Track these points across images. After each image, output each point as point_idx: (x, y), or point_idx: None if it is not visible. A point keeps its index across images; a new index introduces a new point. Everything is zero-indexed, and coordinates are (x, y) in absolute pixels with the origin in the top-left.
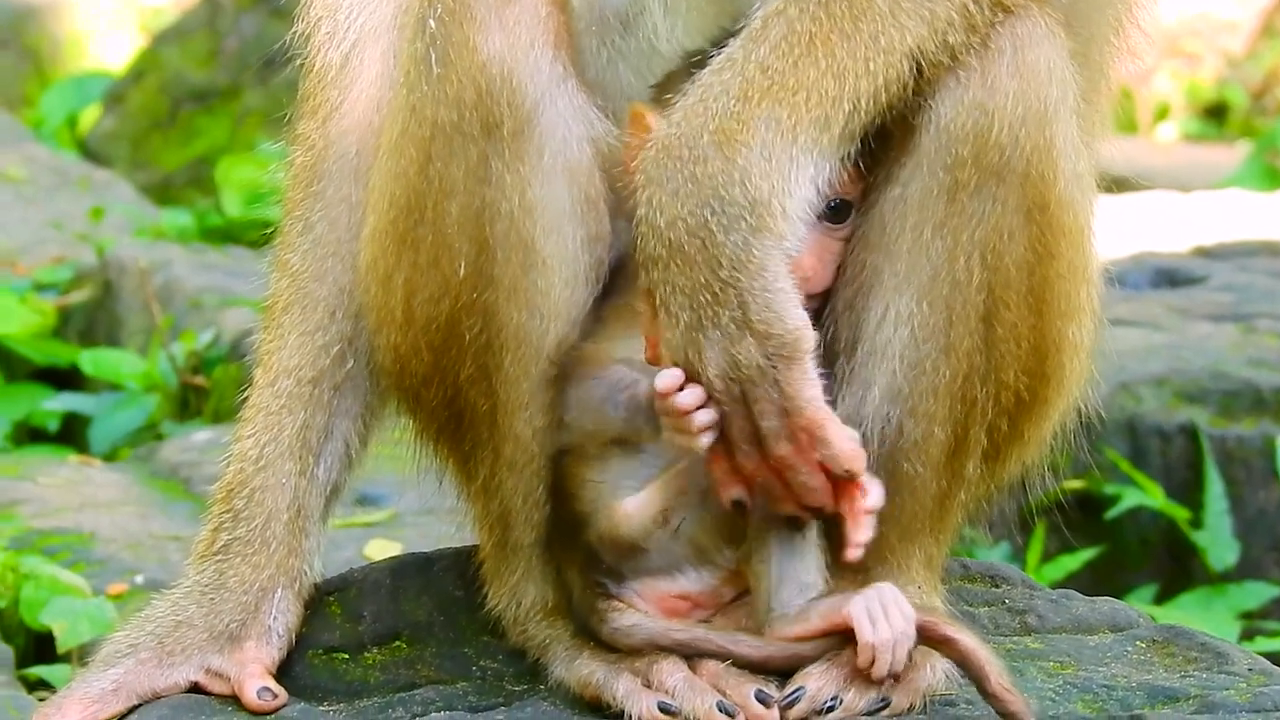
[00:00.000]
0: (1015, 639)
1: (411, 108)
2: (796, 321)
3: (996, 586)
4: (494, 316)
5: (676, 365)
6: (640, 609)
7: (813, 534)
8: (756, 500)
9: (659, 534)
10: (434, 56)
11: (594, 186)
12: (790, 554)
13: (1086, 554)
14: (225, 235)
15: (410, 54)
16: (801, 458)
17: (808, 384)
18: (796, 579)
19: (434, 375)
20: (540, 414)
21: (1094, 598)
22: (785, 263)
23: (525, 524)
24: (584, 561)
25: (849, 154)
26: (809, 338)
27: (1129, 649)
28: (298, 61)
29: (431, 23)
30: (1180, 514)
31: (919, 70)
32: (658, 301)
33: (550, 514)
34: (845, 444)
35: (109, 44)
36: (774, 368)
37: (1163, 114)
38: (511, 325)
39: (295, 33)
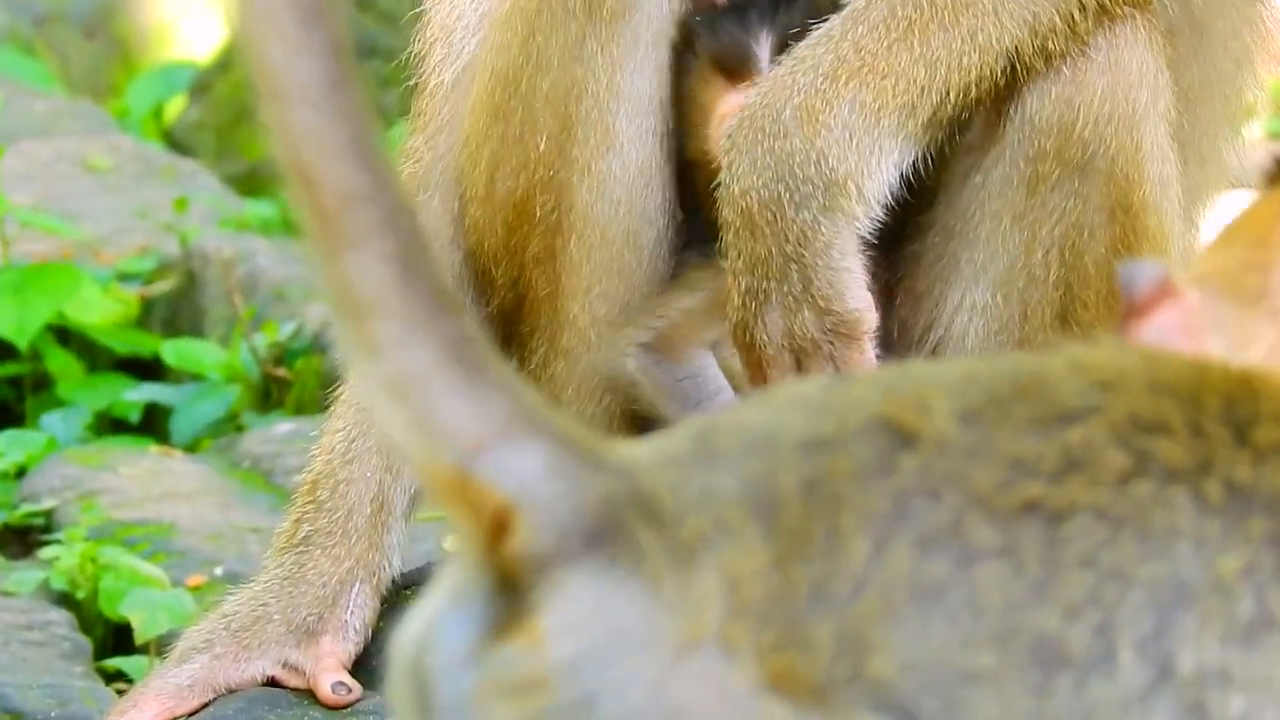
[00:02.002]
0: None
1: None
2: (858, 302)
3: None
4: (566, 195)
5: (737, 324)
6: None
7: None
8: None
9: None
10: None
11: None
12: None
13: None
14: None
15: None
16: None
17: (865, 364)
18: None
19: (503, 253)
20: (600, 303)
21: None
22: (855, 242)
23: (575, 416)
24: None
25: (935, 141)
26: (870, 319)
27: None
28: (393, 59)
29: None
30: None
31: (1012, 70)
32: (728, 263)
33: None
34: None
35: (195, 34)
36: (831, 344)
37: (1249, 113)
38: (581, 205)
39: (410, 52)
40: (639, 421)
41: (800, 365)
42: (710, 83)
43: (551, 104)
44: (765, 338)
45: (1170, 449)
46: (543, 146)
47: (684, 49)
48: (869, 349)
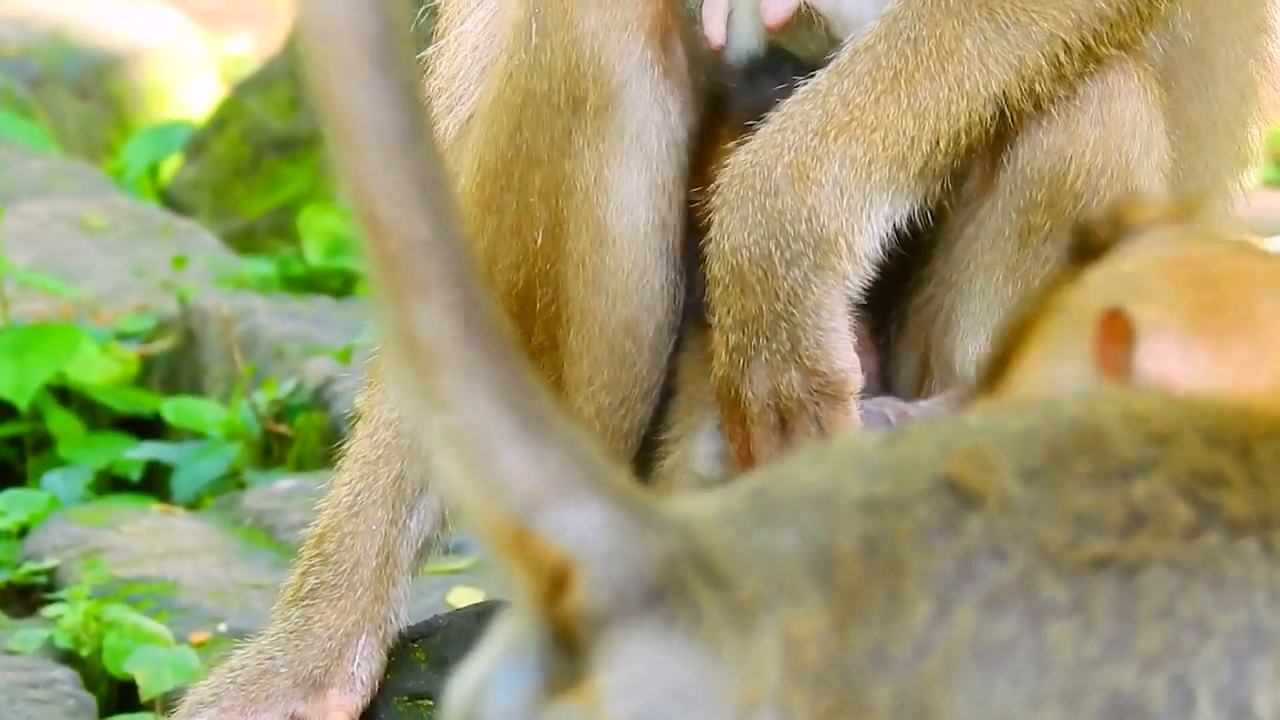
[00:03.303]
0: None
1: (508, 74)
2: (845, 363)
3: None
4: (562, 289)
5: (722, 380)
6: None
7: None
8: None
9: None
10: (534, 26)
11: (666, 174)
12: None
13: None
14: (307, 284)
15: (513, 21)
16: None
17: (849, 425)
18: None
19: None
20: (603, 393)
21: None
22: (844, 302)
23: None
24: None
25: (929, 193)
26: (856, 380)
27: None
28: None
29: None
30: None
31: (1002, 116)
32: (715, 319)
33: None
34: None
35: (190, 93)
36: (816, 404)
37: (1254, 147)
38: (577, 299)
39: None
40: None
41: (784, 424)
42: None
43: (544, 198)
44: (750, 395)
45: (1233, 500)
46: (539, 241)
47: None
48: (854, 410)
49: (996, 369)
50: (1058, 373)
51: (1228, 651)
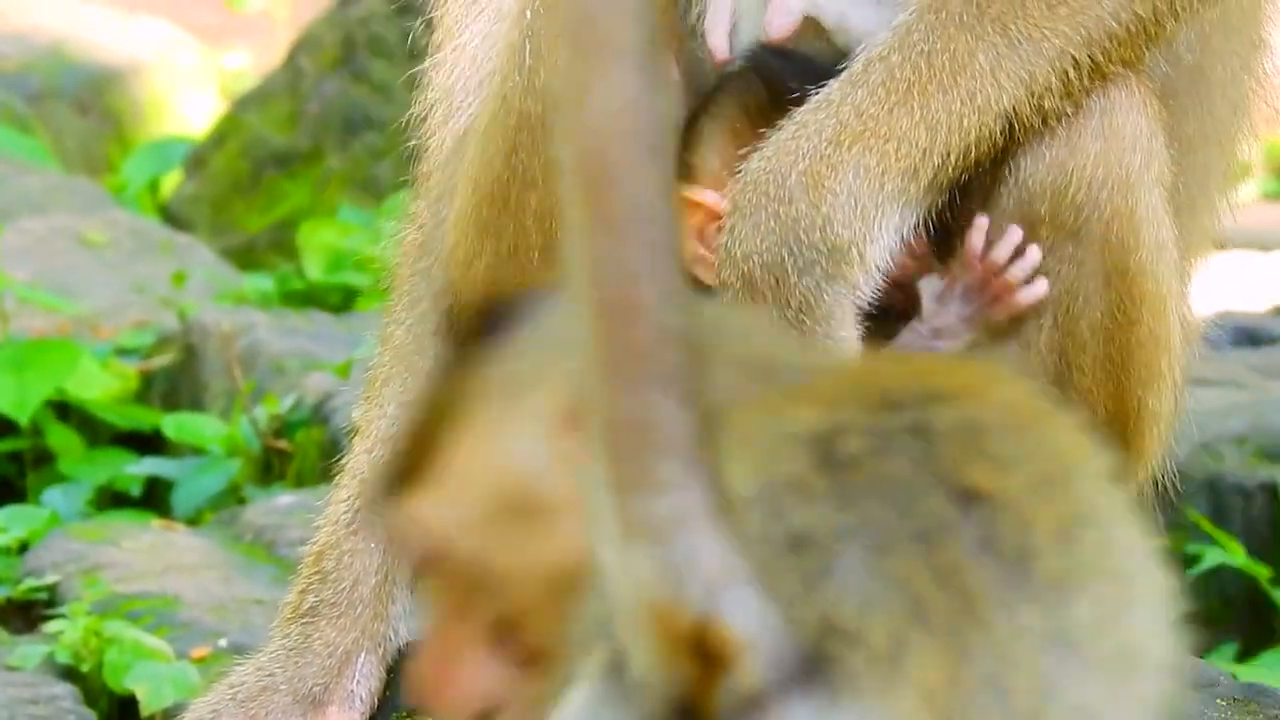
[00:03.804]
0: None
1: (503, 96)
2: None
3: None
4: None
5: None
6: None
7: None
8: None
9: None
10: (528, 48)
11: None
12: None
13: None
14: (307, 299)
15: (507, 43)
16: None
17: None
18: None
19: None
20: None
21: None
22: (852, 312)
23: None
24: None
25: (935, 205)
26: None
27: (1211, 708)
28: (386, 131)
29: (529, 14)
30: (1262, 572)
31: (1011, 130)
32: None
33: None
34: None
35: (190, 108)
36: None
37: (1244, 173)
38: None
39: (412, 114)
40: None
41: None
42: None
43: (539, 221)
44: None
45: None
46: (536, 263)
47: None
48: None
49: (414, 463)
50: (507, 446)
51: None
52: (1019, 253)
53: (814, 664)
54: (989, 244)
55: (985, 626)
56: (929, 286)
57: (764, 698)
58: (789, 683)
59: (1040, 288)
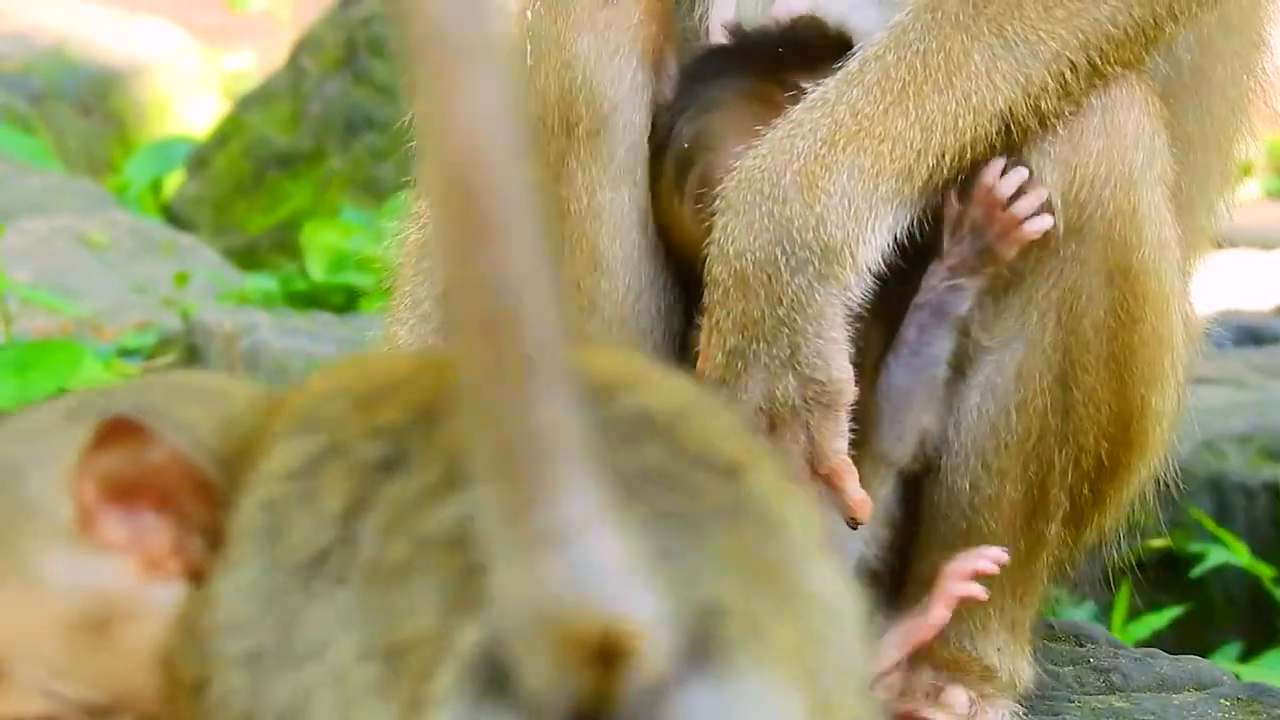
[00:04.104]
0: (1100, 698)
1: None
2: (841, 373)
3: (1081, 645)
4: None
5: (715, 383)
6: None
7: None
8: None
9: None
10: (528, 49)
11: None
12: None
13: (1172, 612)
14: (309, 299)
15: (509, 44)
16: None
17: (837, 435)
18: None
19: None
20: None
21: (1179, 656)
22: (843, 313)
23: None
24: None
25: (928, 206)
26: (850, 392)
27: (1214, 708)
28: (388, 131)
29: (529, 15)
30: (1265, 571)
31: (1007, 131)
32: (712, 321)
33: None
34: (858, 493)
35: (192, 109)
36: (809, 412)
37: (1246, 172)
38: (574, 324)
39: (407, 116)
40: None
41: (774, 429)
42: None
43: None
44: (744, 399)
45: None
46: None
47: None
48: (844, 420)
49: None
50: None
51: None
52: (1025, 189)
53: (699, 644)
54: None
55: (795, 588)
56: (949, 218)
57: (664, 686)
58: (684, 667)
59: (1045, 222)
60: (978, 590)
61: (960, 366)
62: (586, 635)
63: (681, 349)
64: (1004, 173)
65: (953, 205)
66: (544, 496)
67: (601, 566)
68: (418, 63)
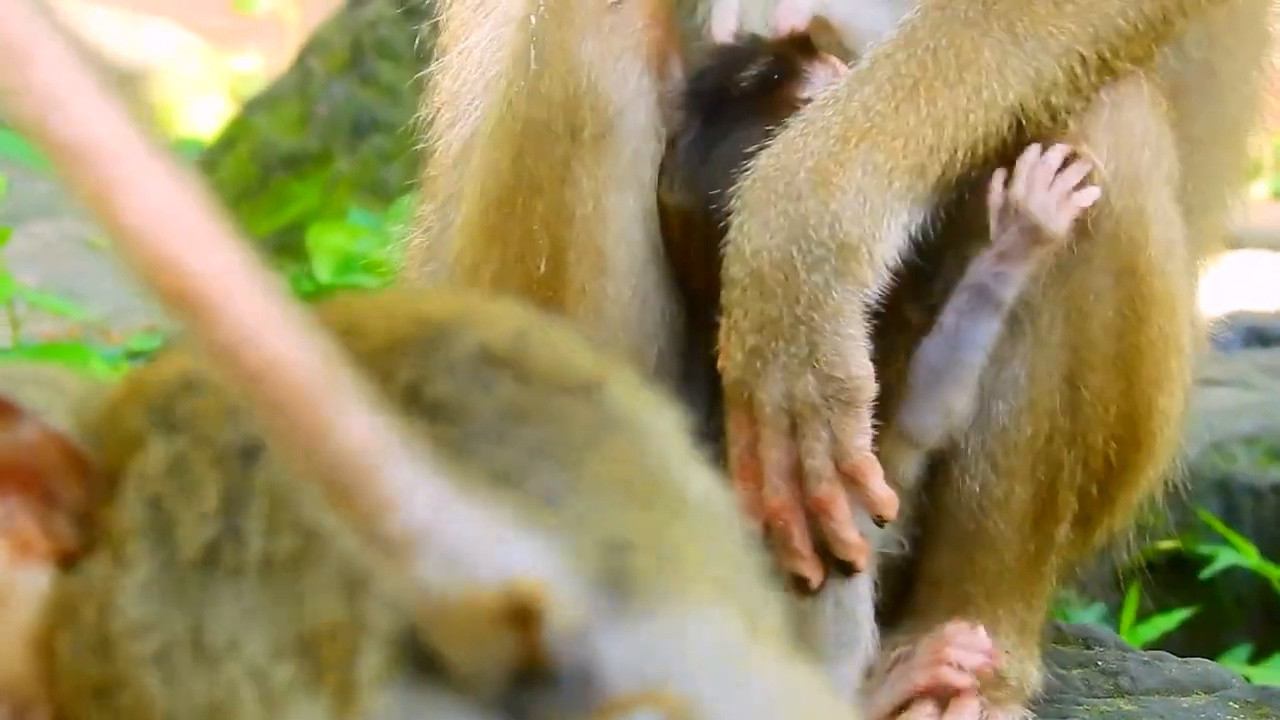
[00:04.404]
0: (1109, 701)
1: (509, 101)
2: (860, 370)
3: (1089, 648)
4: (564, 317)
5: (735, 382)
6: None
7: (862, 588)
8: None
9: None
10: (533, 54)
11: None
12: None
13: (1181, 614)
14: (317, 301)
15: (512, 49)
16: (839, 504)
17: (860, 432)
18: (840, 638)
19: None
20: None
21: (1187, 659)
22: (862, 309)
23: None
24: None
25: (941, 202)
26: (870, 388)
27: (1223, 711)
28: (394, 133)
29: (534, 19)
30: (1274, 573)
31: (1018, 127)
32: (731, 320)
33: None
34: (884, 490)
35: (199, 111)
36: (830, 409)
37: (1254, 172)
38: (580, 328)
39: (420, 117)
40: None
41: (794, 428)
42: None
43: (546, 226)
44: (763, 398)
45: None
46: (543, 269)
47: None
48: (866, 417)
49: None
50: None
51: None
52: (1069, 161)
53: (612, 582)
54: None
55: (681, 498)
56: (994, 205)
57: (589, 631)
58: (604, 608)
59: (1094, 193)
60: (964, 681)
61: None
62: (489, 610)
63: (688, 351)
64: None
65: (997, 191)
66: (383, 507)
67: (473, 542)
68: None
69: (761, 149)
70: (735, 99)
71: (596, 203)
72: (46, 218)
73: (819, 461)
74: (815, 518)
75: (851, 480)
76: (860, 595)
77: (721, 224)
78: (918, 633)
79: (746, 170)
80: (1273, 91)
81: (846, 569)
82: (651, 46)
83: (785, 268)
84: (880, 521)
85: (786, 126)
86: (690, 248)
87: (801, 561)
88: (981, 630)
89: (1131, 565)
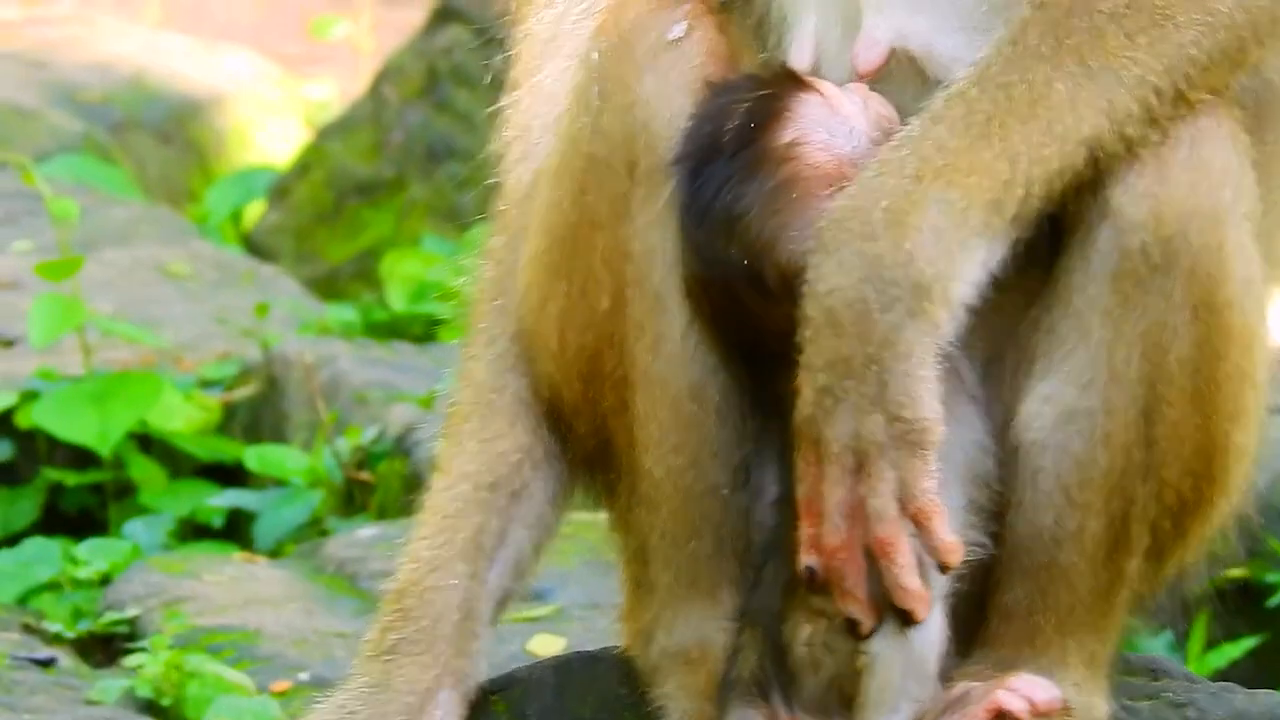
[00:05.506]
0: None
1: (571, 138)
2: (930, 412)
3: (1157, 680)
4: (627, 353)
5: (805, 420)
6: None
7: (930, 637)
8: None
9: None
10: (595, 90)
11: None
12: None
13: (1249, 642)
14: (390, 330)
15: (574, 86)
16: (901, 548)
17: (927, 474)
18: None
19: (583, 405)
20: (673, 455)
21: (1254, 690)
22: (934, 351)
23: (661, 563)
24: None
25: (1019, 238)
26: (938, 431)
27: None
28: (470, 160)
29: (595, 56)
30: None
31: (1094, 159)
32: (804, 358)
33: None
34: (948, 536)
35: (273, 138)
36: (897, 450)
37: None
38: (641, 363)
39: (491, 152)
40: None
41: (860, 468)
42: None
43: (606, 263)
44: (831, 436)
45: None
46: (605, 304)
47: None
48: (932, 460)
49: None
50: None
51: None
52: None
53: None
54: None
55: None
56: None
57: None
58: None
59: None
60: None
61: (1041, 396)
62: None
63: (752, 390)
64: None
65: None
66: None
67: None
68: None
69: (758, 206)
70: (718, 158)
71: (649, 240)
72: (120, 244)
73: (883, 502)
74: (877, 561)
75: (916, 523)
76: (929, 644)
77: (737, 287)
78: (987, 664)
79: (746, 232)
80: None
81: (906, 618)
82: (710, 82)
83: (859, 307)
84: (945, 569)
85: (778, 177)
86: (719, 315)
87: (855, 604)
88: (1045, 682)
89: (1200, 594)
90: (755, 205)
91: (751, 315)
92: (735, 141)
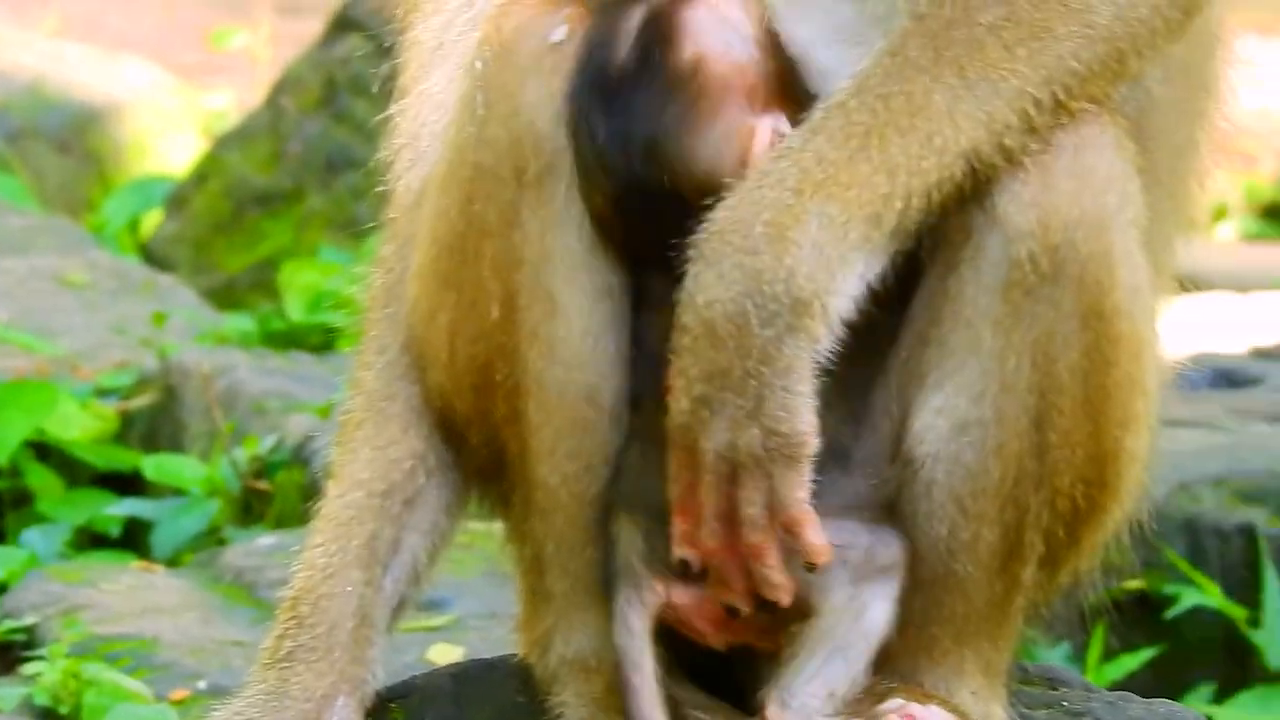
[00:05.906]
0: None
1: (458, 147)
2: (805, 426)
3: (1054, 689)
4: (520, 361)
5: (680, 427)
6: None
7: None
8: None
9: None
10: (479, 99)
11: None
12: (833, 651)
13: (1147, 653)
14: (288, 340)
15: (460, 95)
16: (770, 552)
17: (799, 485)
18: (826, 680)
19: (475, 415)
20: (567, 462)
21: (1151, 700)
22: (812, 365)
23: (557, 572)
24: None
25: (898, 251)
26: (813, 444)
27: None
28: (367, 172)
29: (479, 65)
30: (1238, 613)
31: (974, 171)
32: (680, 365)
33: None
34: (818, 540)
35: (171, 148)
36: (772, 462)
37: (1220, 214)
38: (534, 370)
39: (382, 159)
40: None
41: (735, 477)
42: None
43: (496, 271)
44: (707, 445)
45: None
46: (495, 314)
47: None
48: (806, 472)
49: None
50: None
51: None
52: None
53: None
54: None
55: None
56: None
57: None
58: None
59: None
60: None
61: (933, 409)
62: None
63: (640, 386)
64: None
65: None
66: None
67: None
68: None
69: (674, 124)
70: (625, 82)
71: (542, 244)
72: (17, 253)
73: (755, 511)
74: (747, 560)
75: (788, 530)
76: (870, 631)
77: (660, 202)
78: (884, 674)
79: (666, 150)
80: (1236, 134)
81: (773, 606)
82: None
83: (738, 320)
84: (812, 568)
85: (689, 92)
86: (631, 231)
87: (731, 595)
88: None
89: (1097, 605)
90: (672, 124)
91: (669, 229)
92: (639, 63)
